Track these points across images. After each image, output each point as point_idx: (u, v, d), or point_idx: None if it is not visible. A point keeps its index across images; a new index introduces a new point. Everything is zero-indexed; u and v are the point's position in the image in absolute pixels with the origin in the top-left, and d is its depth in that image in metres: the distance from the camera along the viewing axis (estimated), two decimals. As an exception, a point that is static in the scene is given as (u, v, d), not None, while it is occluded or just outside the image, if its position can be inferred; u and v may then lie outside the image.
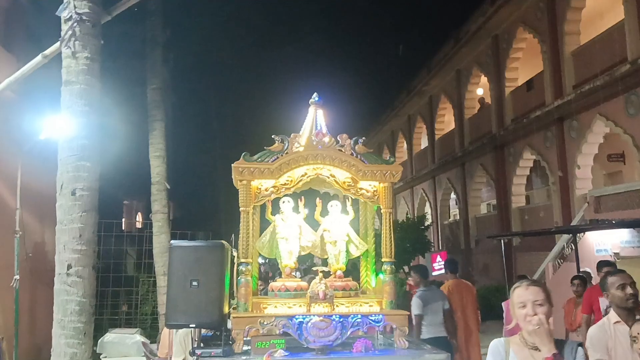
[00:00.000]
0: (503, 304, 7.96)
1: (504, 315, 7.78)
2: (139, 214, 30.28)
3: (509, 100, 19.37)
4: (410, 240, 20.14)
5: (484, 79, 21.78)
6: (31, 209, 9.98)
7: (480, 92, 23.20)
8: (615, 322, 3.55)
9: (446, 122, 26.30)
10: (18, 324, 9.01)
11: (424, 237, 21.03)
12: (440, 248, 24.67)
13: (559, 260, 13.45)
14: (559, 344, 2.72)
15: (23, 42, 9.73)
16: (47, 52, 6.06)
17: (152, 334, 11.82)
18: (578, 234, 12.10)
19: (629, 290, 3.59)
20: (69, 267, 5.62)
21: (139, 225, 29.43)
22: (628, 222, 11.08)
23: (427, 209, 28.25)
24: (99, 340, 10.54)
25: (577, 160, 15.34)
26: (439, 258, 20.91)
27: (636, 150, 13.05)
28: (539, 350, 2.70)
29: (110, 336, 10.99)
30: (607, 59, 13.97)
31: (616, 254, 11.58)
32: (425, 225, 21.76)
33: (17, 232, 9.09)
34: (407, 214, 28.63)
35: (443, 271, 18.82)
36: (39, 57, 6.14)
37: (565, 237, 13.55)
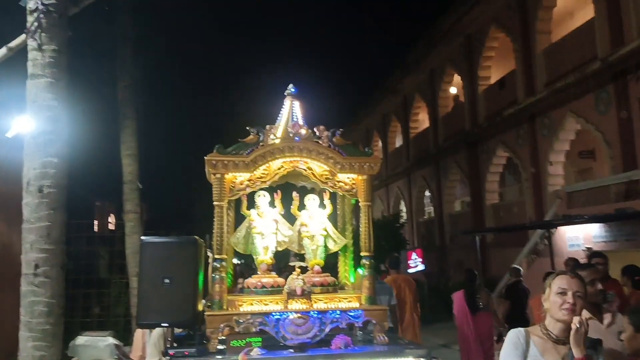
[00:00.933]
0: (452, 295, 8.20)
1: (453, 306, 7.97)
2: (112, 215, 29.82)
3: (482, 98, 19.52)
4: (386, 238, 20.14)
5: (457, 78, 21.94)
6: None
7: (453, 90, 23.36)
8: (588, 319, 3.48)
9: (420, 120, 26.44)
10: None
11: (400, 234, 21.05)
12: (416, 245, 24.73)
13: (532, 256, 13.57)
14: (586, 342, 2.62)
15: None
16: (12, 44, 5.84)
17: (125, 336, 11.54)
18: (551, 230, 12.21)
19: (598, 285, 3.52)
20: (36, 267, 5.42)
21: (111, 226, 28.98)
22: (600, 217, 11.23)
23: (403, 207, 28.34)
24: (70, 344, 10.25)
25: (549, 157, 15.52)
26: (414, 255, 20.94)
27: (607, 146, 13.24)
28: (564, 345, 2.62)
29: (82, 339, 10.63)
30: (578, 57, 14.15)
31: (588, 249, 11.72)
32: (401, 222, 21.80)
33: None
34: (382, 212, 28.70)
35: (418, 268, 18.94)
36: (3, 50, 5.91)
37: (539, 232, 13.69)
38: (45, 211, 5.50)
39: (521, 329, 2.81)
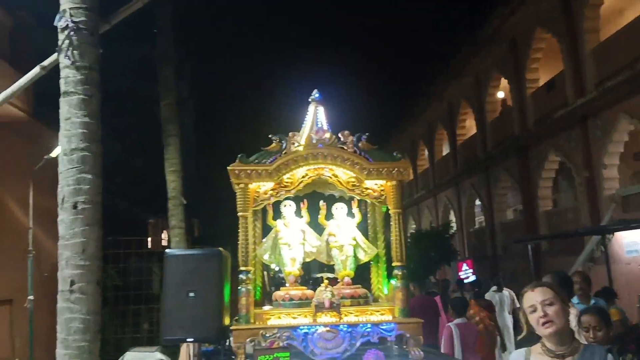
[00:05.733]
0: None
1: None
2: (165, 231, 30.39)
3: (531, 101, 18.92)
4: (435, 249, 19.74)
5: (504, 82, 21.38)
6: (46, 229, 9.90)
7: (501, 95, 22.76)
8: None
9: (467, 127, 25.85)
10: (33, 345, 8.88)
11: (450, 245, 20.59)
12: (467, 256, 24.12)
13: (589, 264, 12.94)
14: (587, 350, 2.51)
15: (30, 59, 9.71)
16: (45, 63, 5.94)
17: (174, 351, 11.63)
18: (607, 236, 11.60)
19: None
20: (72, 283, 5.41)
21: (164, 242, 29.53)
22: (659, 221, 10.61)
23: (452, 217, 27.73)
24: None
25: (604, 160, 14.83)
26: (465, 266, 20.44)
27: (664, 146, 12.57)
28: (563, 358, 2.50)
29: (131, 355, 10.74)
30: (629, 55, 13.51)
31: (648, 255, 11.10)
32: (450, 233, 21.32)
33: (30, 251, 8.99)
34: (431, 223, 28.18)
35: (469, 279, 18.41)
36: (36, 69, 6.03)
37: (595, 239, 13.06)
38: (80, 227, 5.51)
39: (522, 350, 2.71)
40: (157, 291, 15.48)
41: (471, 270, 19.76)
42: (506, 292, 10.45)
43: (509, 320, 9.88)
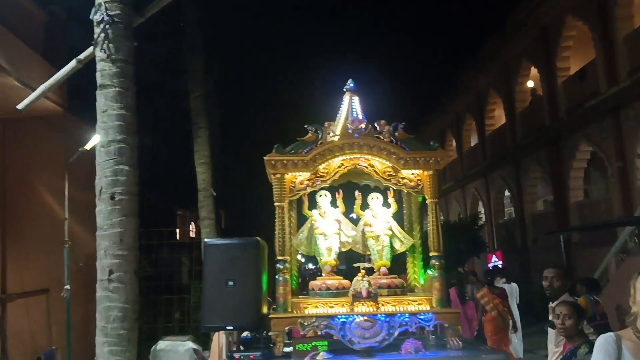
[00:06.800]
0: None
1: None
2: (192, 223, 30.80)
3: (562, 91, 18.58)
4: (464, 241, 19.56)
5: (534, 71, 21.03)
6: (81, 220, 10.09)
7: (530, 84, 22.39)
8: None
9: (496, 117, 25.50)
10: (70, 334, 9.08)
11: (479, 237, 20.39)
12: (496, 248, 23.86)
13: (622, 255, 12.71)
14: None
15: (65, 53, 9.88)
16: (81, 56, 6.02)
17: (204, 340, 11.81)
18: (642, 226, 11.39)
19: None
20: (110, 272, 5.51)
21: (192, 234, 29.94)
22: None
23: (480, 208, 27.46)
24: (152, 349, 10.55)
25: (637, 150, 14.53)
26: (494, 258, 20.23)
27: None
28: None
29: (163, 344, 10.95)
30: (665, 42, 13.20)
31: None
32: (479, 224, 21.11)
33: (66, 242, 9.18)
34: (459, 214, 27.94)
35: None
36: (73, 62, 6.11)
37: (628, 230, 12.82)
38: (117, 218, 5.59)
39: (612, 334, 2.58)
40: (187, 281, 15.72)
41: (500, 262, 19.55)
42: (514, 284, 11.22)
43: (515, 308, 10.40)
